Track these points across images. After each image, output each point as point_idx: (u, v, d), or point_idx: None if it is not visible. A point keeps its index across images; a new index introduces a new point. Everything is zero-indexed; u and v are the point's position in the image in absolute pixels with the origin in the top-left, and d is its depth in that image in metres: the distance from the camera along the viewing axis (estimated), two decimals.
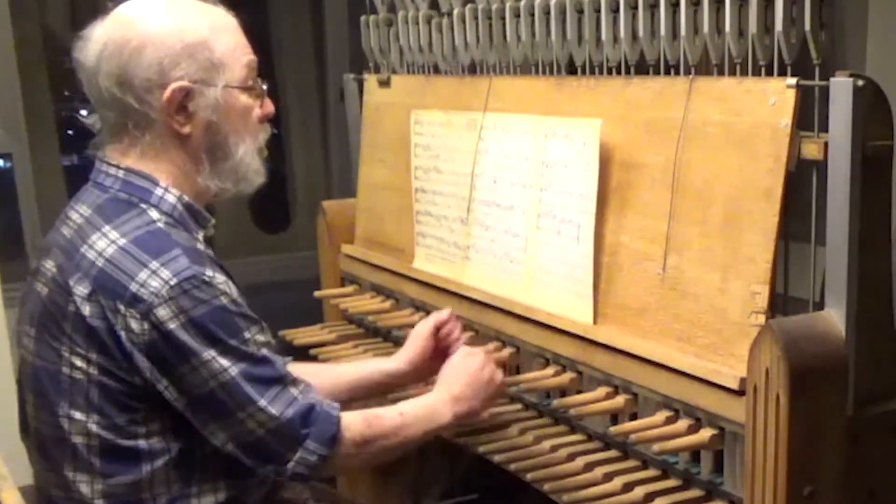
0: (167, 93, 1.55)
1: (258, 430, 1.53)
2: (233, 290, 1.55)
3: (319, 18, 5.70)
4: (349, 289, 2.69)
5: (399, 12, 2.53)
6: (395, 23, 2.55)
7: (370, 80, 2.68)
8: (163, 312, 1.47)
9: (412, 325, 2.35)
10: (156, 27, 1.56)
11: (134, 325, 1.48)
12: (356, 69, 2.83)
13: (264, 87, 1.67)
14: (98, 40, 1.57)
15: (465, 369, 1.78)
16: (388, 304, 2.52)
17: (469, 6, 2.27)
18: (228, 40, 1.61)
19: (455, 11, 2.31)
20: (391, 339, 2.49)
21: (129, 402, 1.53)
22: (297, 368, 1.94)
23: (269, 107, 1.69)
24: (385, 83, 2.62)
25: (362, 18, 2.67)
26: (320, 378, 1.91)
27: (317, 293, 2.73)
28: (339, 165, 5.47)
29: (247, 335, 1.53)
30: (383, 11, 2.61)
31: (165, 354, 1.49)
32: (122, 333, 1.49)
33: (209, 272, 1.51)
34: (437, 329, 1.95)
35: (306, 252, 3.31)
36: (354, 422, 1.62)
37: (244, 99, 1.63)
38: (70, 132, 4.94)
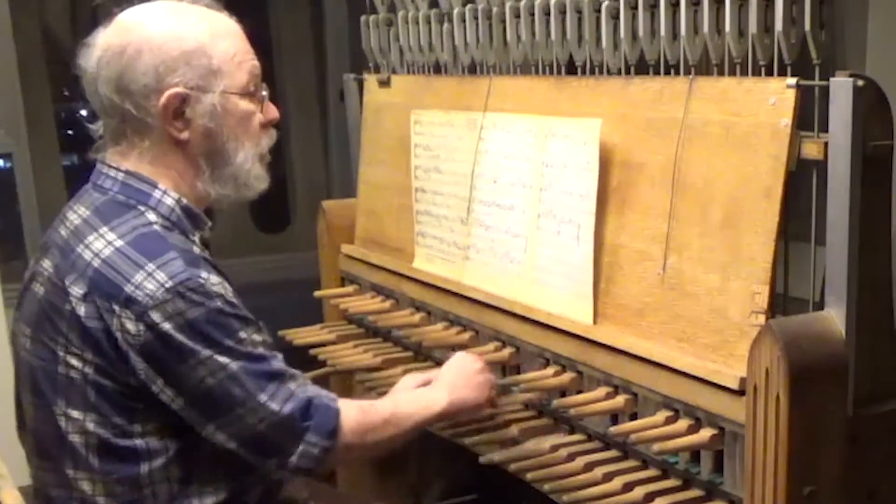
0: (163, 99, 1.55)
1: (259, 425, 1.53)
2: (228, 291, 1.55)
3: (319, 18, 5.70)
4: (349, 289, 2.69)
5: (399, 12, 2.53)
6: (395, 23, 2.55)
7: (370, 80, 2.68)
8: (157, 315, 1.48)
9: (412, 325, 2.36)
10: (154, 33, 1.57)
11: (129, 325, 1.48)
12: (356, 69, 2.83)
13: (265, 93, 1.67)
14: (99, 46, 1.58)
15: (459, 366, 1.85)
16: (388, 304, 2.52)
17: (469, 6, 2.27)
18: (228, 46, 1.61)
19: (455, 11, 2.31)
20: (391, 339, 2.49)
21: (125, 403, 1.53)
22: None
23: (273, 112, 1.69)
24: (385, 83, 2.62)
25: (362, 18, 2.67)
26: None
27: (317, 293, 2.73)
28: (339, 165, 5.48)
29: (242, 335, 1.53)
30: (383, 11, 2.61)
31: (161, 355, 1.49)
32: (118, 334, 1.49)
33: (204, 274, 1.52)
34: None
35: (306, 252, 3.31)
36: (352, 408, 1.63)
37: (244, 105, 1.62)
38: (70, 132, 4.94)
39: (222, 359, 1.50)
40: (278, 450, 1.56)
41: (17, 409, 1.68)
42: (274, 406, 1.53)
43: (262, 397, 1.53)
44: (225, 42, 1.61)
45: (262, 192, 1.69)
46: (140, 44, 1.55)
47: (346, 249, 2.71)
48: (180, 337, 1.48)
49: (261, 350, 1.56)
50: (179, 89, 1.56)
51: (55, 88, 4.76)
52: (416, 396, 1.77)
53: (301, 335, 2.56)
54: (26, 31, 4.66)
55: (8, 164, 4.61)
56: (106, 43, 1.58)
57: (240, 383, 1.52)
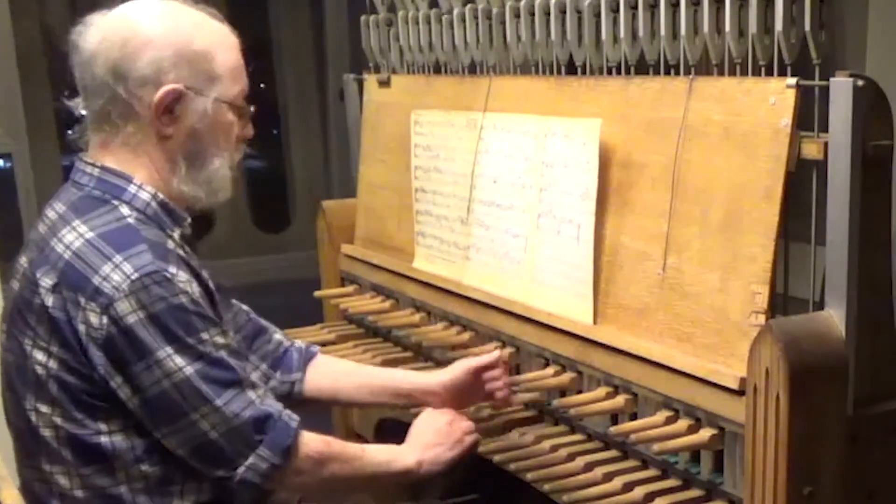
0: (159, 93, 1.57)
1: (211, 431, 1.52)
2: (194, 290, 1.54)
3: (319, 18, 5.72)
4: (349, 289, 2.69)
5: (399, 12, 2.53)
6: (395, 23, 2.55)
7: (370, 80, 2.68)
8: (122, 307, 1.48)
9: (412, 325, 2.36)
10: (165, 28, 1.59)
11: (93, 318, 1.49)
12: (356, 69, 2.83)
13: (252, 109, 1.70)
14: (102, 27, 1.60)
15: (428, 422, 1.81)
16: (388, 304, 2.52)
17: (469, 6, 2.27)
18: (230, 58, 1.65)
19: (455, 11, 2.31)
20: (391, 339, 2.49)
21: (87, 400, 1.53)
22: (326, 362, 1.97)
23: (250, 130, 1.72)
24: (385, 83, 2.62)
25: (362, 18, 2.67)
26: (352, 377, 1.95)
27: (317, 293, 2.73)
28: (339, 165, 5.49)
29: (204, 336, 1.52)
30: (383, 11, 2.61)
31: (122, 350, 1.49)
32: (81, 327, 1.49)
33: (172, 269, 1.52)
34: (482, 369, 1.93)
35: (306, 252, 3.32)
36: (314, 439, 1.61)
37: (230, 116, 1.66)
38: (70, 132, 4.94)
39: (179, 360, 1.49)
40: (227, 459, 1.53)
41: (4, 409, 1.69)
42: (228, 412, 1.51)
43: (218, 402, 1.51)
44: (228, 53, 1.65)
45: (223, 203, 1.69)
46: (149, 35, 1.57)
47: (346, 249, 2.71)
48: (142, 332, 1.48)
49: (222, 354, 1.54)
50: (177, 86, 1.58)
51: (55, 88, 4.77)
52: (387, 449, 1.75)
53: (301, 335, 2.56)
54: (26, 31, 4.67)
55: (8, 164, 4.62)
56: (111, 27, 1.59)
57: (195, 388, 1.50)
